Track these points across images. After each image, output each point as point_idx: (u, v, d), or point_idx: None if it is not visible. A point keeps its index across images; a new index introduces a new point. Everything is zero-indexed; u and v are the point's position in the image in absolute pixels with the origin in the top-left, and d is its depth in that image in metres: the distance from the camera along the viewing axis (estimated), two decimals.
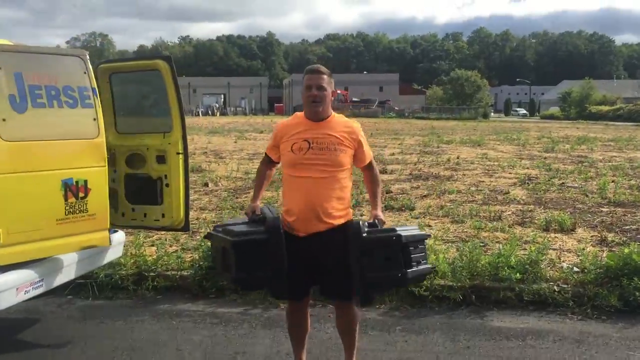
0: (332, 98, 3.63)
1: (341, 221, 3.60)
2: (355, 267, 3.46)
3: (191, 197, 10.45)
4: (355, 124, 3.71)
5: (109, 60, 5.17)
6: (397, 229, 3.57)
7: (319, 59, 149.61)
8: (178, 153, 4.91)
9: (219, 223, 3.97)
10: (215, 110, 79.94)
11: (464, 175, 13.23)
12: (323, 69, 3.60)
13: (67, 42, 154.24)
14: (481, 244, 6.77)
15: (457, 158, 16.80)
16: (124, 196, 5.08)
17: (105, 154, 4.48)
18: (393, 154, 17.98)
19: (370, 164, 3.82)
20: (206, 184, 11.80)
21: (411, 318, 5.20)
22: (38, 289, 4.11)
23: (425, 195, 10.41)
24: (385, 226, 3.71)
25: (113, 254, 5.25)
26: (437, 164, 15.45)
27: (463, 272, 5.61)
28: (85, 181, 4.32)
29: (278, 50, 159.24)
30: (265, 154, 3.88)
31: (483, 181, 12.30)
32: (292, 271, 3.67)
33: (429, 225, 8.05)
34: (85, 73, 4.37)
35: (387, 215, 8.73)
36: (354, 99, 78.60)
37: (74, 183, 4.24)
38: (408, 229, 3.65)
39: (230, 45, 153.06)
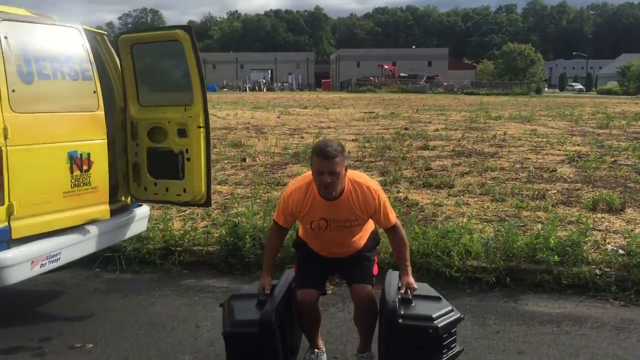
0: (345, 173, 3.32)
1: (364, 241, 3.67)
2: (385, 349, 3.36)
3: (227, 172, 10.50)
4: (372, 193, 3.41)
5: (129, 30, 5.05)
6: (433, 315, 3.31)
7: (367, 33, 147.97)
8: (199, 127, 4.76)
9: (236, 292, 3.84)
10: (262, 86, 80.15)
11: (510, 152, 12.74)
12: (333, 150, 3.19)
13: (119, 19, 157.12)
14: (520, 224, 6.46)
15: (504, 134, 16.21)
16: (147, 170, 4.99)
17: (105, 127, 4.41)
18: (437, 130, 17.52)
19: (394, 226, 3.54)
20: (244, 159, 11.73)
21: None
22: (55, 262, 4.08)
23: (466, 173, 10.05)
24: (413, 283, 3.51)
25: (137, 228, 5.22)
26: (481, 140, 14.95)
27: (497, 253, 5.34)
28: (89, 154, 4.28)
29: (326, 25, 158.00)
30: (275, 222, 3.63)
31: (529, 158, 11.81)
32: (312, 265, 3.63)
33: (467, 204, 7.76)
34: (82, 45, 4.30)
35: (426, 193, 8.48)
36: (402, 74, 77.42)
37: (79, 156, 4.19)
38: (442, 312, 3.38)
39: (278, 21, 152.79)
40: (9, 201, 3.69)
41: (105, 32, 5.04)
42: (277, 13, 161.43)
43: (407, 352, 3.31)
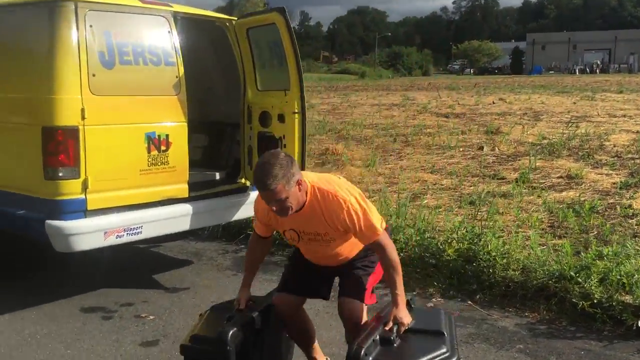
0: (299, 188, 2.74)
1: (357, 251, 3.09)
2: None
3: (453, 160, 9.87)
4: (338, 201, 2.78)
5: (244, 15, 5.11)
6: None
7: None
8: (294, 112, 4.62)
9: (218, 303, 3.57)
10: (595, 68, 72.72)
11: None
12: (271, 178, 2.61)
13: (453, 3, 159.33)
14: None
15: None
16: (257, 154, 5.03)
17: (186, 110, 4.51)
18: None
19: (376, 243, 2.85)
20: (481, 147, 10.89)
21: (552, 337, 3.92)
22: (136, 235, 4.40)
23: None
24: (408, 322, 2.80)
25: (248, 211, 5.30)
26: None
27: None
28: (167, 135, 4.46)
29: None
30: (254, 229, 3.24)
31: None
32: (298, 268, 3.21)
33: None
34: (169, 32, 4.46)
35: None
36: None
37: (157, 137, 4.41)
38: (428, 357, 2.62)
39: None
40: (85, 175, 4.10)
41: (234, 18, 5.18)
42: None
43: None
